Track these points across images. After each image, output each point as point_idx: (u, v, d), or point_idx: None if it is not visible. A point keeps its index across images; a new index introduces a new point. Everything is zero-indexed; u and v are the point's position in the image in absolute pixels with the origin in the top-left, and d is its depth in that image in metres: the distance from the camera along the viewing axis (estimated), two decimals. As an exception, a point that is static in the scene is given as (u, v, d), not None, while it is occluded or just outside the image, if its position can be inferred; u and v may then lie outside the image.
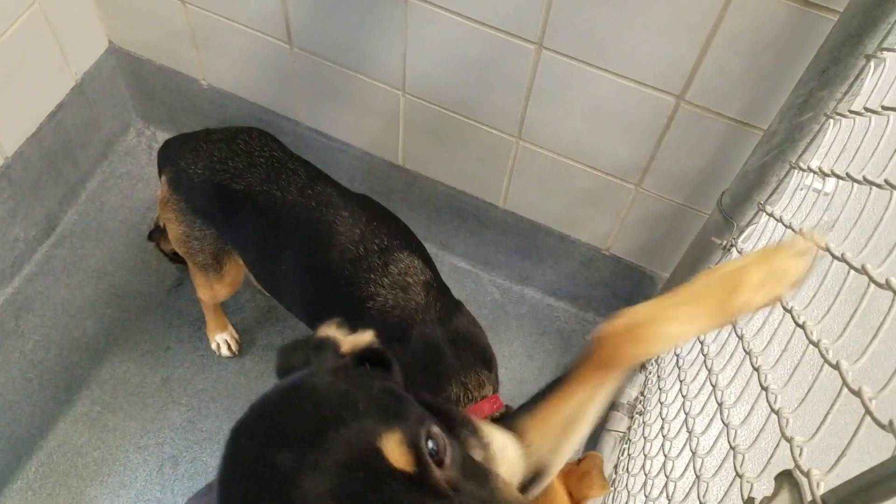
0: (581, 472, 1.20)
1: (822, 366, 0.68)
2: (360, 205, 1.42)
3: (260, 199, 1.41)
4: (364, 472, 0.50)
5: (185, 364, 1.92)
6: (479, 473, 0.59)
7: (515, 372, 1.98)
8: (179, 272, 2.03)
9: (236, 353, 1.93)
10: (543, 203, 1.82)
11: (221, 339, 1.92)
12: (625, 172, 1.60)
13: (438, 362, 1.25)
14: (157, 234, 1.98)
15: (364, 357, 0.69)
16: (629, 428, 1.82)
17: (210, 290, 1.70)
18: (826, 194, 1.24)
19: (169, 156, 1.57)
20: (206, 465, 1.78)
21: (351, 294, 1.32)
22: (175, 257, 2.03)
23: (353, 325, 1.36)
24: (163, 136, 2.22)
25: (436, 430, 0.56)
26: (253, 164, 1.45)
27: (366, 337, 0.73)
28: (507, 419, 1.19)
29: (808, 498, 0.52)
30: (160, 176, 1.61)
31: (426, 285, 1.33)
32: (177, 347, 1.94)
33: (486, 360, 1.30)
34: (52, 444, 1.77)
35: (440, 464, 0.54)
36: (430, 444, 0.54)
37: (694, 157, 1.49)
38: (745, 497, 0.70)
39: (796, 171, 1.24)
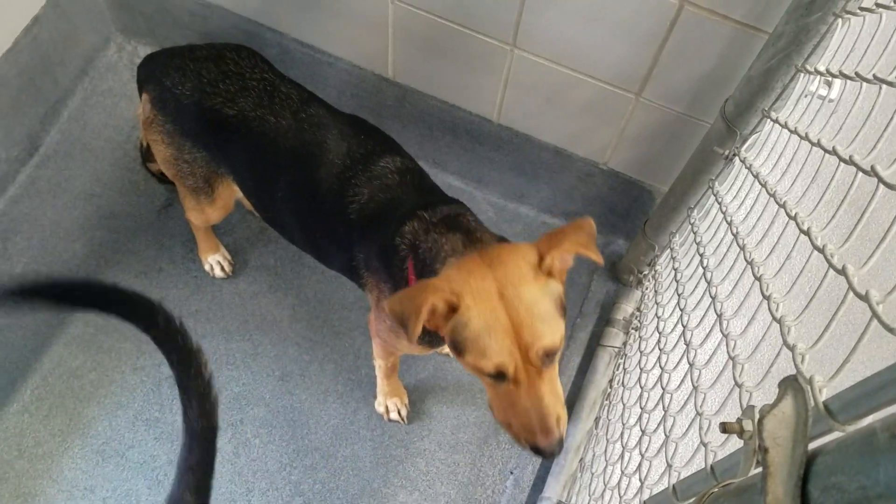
0: (560, 230, 1.02)
1: (827, 271, 0.66)
2: (348, 121, 1.40)
3: (254, 125, 1.37)
4: None
5: (179, 285, 1.90)
6: None
7: (511, 289, 1.97)
8: (168, 192, 1.99)
9: (230, 273, 1.91)
10: (539, 116, 1.76)
11: (214, 261, 1.89)
12: (624, 81, 1.54)
13: (404, 205, 1.24)
14: (144, 153, 1.93)
15: None
16: (624, 343, 1.82)
17: (201, 214, 1.66)
18: (831, 101, 1.19)
19: (151, 73, 1.50)
20: (204, 384, 1.79)
21: (337, 204, 1.31)
22: (163, 177, 1.98)
23: (341, 238, 1.34)
24: (144, 51, 2.13)
25: None
26: (246, 87, 1.40)
27: None
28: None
29: (812, 404, 0.50)
30: (140, 94, 1.54)
31: (401, 171, 1.32)
32: (169, 269, 1.92)
33: (450, 204, 1.30)
34: (46, 367, 1.77)
35: None
36: None
37: (697, 64, 1.42)
38: (744, 406, 0.69)
39: (802, 75, 1.19)
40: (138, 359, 1.80)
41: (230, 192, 1.58)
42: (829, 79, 1.23)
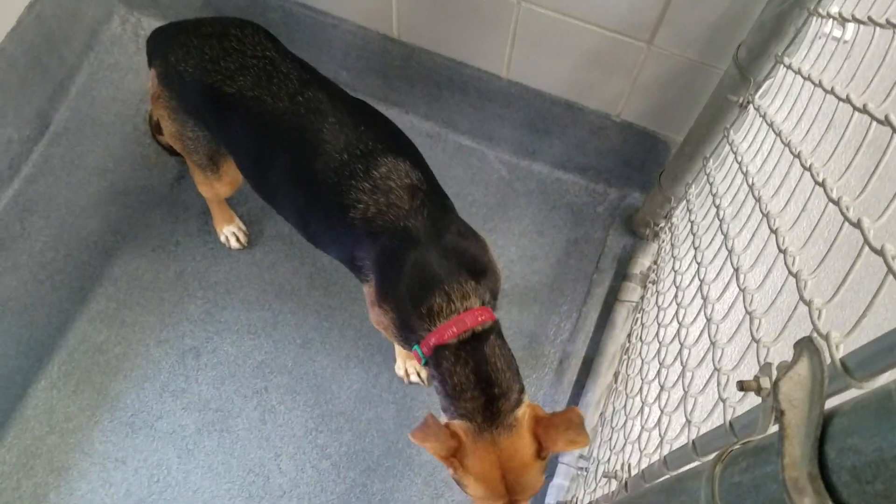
0: (551, 423, 1.18)
1: (843, 224, 0.64)
2: (349, 110, 1.34)
3: (251, 105, 1.33)
4: None
5: (197, 257, 1.92)
6: None
7: (526, 249, 1.96)
8: (180, 165, 1.99)
9: (245, 244, 1.92)
10: (549, 70, 1.73)
11: (229, 232, 1.90)
12: (635, 29, 1.50)
13: (421, 272, 1.22)
14: (153, 127, 1.93)
15: None
16: (642, 298, 1.81)
17: (210, 188, 1.67)
18: (846, 42, 1.15)
19: (158, 48, 1.48)
20: (228, 354, 1.81)
21: (335, 203, 1.27)
22: (173, 150, 1.98)
23: (341, 237, 1.31)
24: (148, 23, 2.12)
25: None
26: (245, 65, 1.36)
27: None
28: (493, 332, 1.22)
29: (828, 362, 0.49)
30: (150, 67, 1.53)
31: (412, 189, 1.26)
32: (186, 241, 1.93)
33: (475, 271, 1.26)
34: (71, 343, 1.80)
35: None
36: None
37: (708, 8, 1.39)
38: (762, 362, 0.68)
39: (815, 18, 1.15)
40: (161, 332, 1.83)
41: (236, 169, 1.57)
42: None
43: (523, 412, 1.20)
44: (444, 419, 1.22)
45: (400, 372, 1.80)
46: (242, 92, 1.34)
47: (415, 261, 1.22)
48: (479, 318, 1.21)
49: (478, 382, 1.19)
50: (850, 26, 1.19)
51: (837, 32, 1.18)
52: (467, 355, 1.20)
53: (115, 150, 2.01)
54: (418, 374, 1.79)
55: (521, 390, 1.23)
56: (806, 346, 0.44)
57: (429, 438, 1.15)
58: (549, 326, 1.88)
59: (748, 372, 0.79)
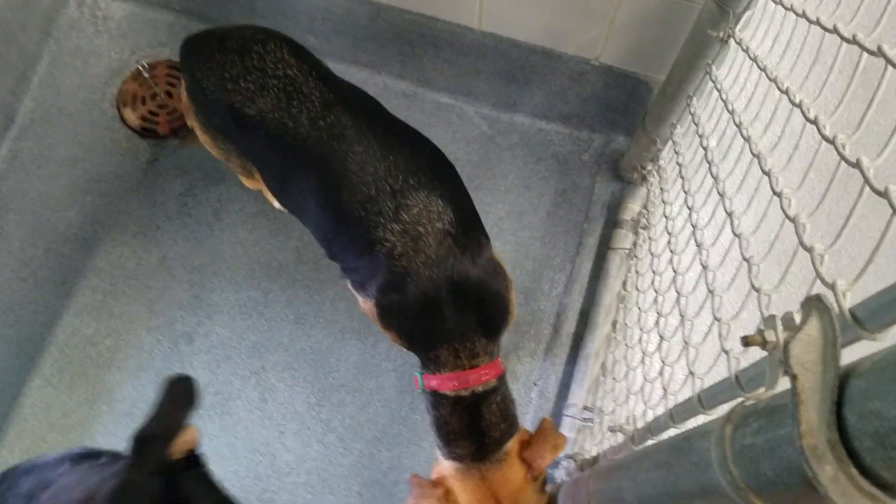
0: (532, 441, 1.23)
1: (839, 164, 0.62)
2: (376, 137, 1.24)
3: (272, 129, 1.26)
4: None
5: (179, 241, 1.88)
6: None
7: (514, 205, 1.93)
8: (152, 147, 1.93)
9: None
10: (522, 17, 1.67)
11: None
12: (607, -29, 1.45)
13: (435, 324, 1.20)
14: (120, 109, 1.87)
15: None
16: (634, 244, 1.79)
17: (251, 185, 1.64)
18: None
19: (186, 60, 1.40)
20: (221, 336, 1.79)
21: (361, 236, 1.21)
22: (144, 132, 1.93)
23: (363, 265, 1.26)
24: (105, 3, 2.04)
25: None
26: (265, 86, 1.27)
27: (188, 439, 0.92)
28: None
29: (837, 312, 0.47)
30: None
31: (441, 234, 1.19)
32: (166, 225, 1.89)
33: (490, 327, 1.23)
34: (61, 339, 1.77)
35: None
36: None
37: (682, -58, 1.34)
38: (764, 312, 0.66)
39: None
40: (151, 319, 1.80)
41: None
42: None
43: (512, 445, 1.24)
44: (438, 455, 1.28)
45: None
46: (263, 114, 1.27)
47: (430, 313, 1.19)
48: (484, 378, 1.21)
49: (471, 433, 1.22)
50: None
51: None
52: (464, 410, 1.22)
53: (85, 137, 1.95)
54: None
55: (515, 430, 1.26)
56: (815, 304, 0.41)
57: (419, 501, 1.20)
58: (544, 281, 1.86)
59: (749, 321, 0.77)
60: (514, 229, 1.90)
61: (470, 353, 1.21)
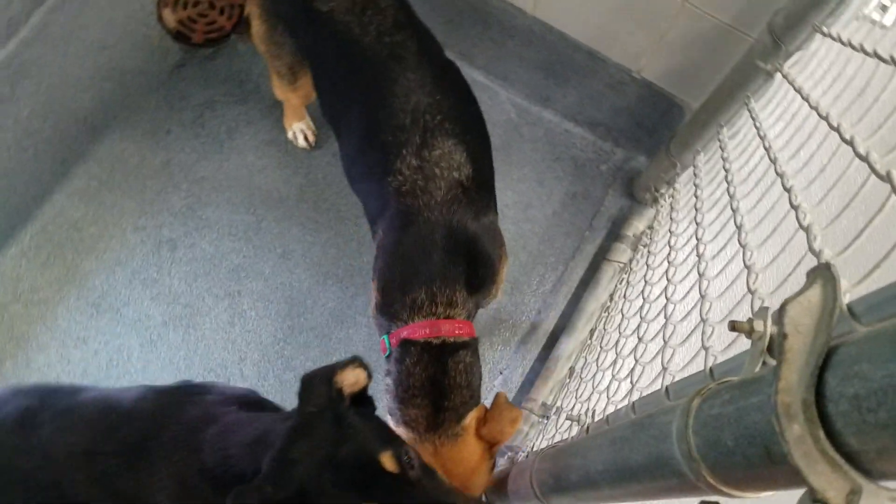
0: (489, 417, 1.19)
1: (852, 160, 0.61)
2: (433, 72, 1.24)
3: (340, 30, 1.26)
4: (369, 473, 0.88)
5: (187, 150, 1.86)
6: (430, 472, 0.98)
7: (523, 195, 1.93)
8: (183, 52, 1.92)
9: (313, 145, 1.86)
10: (577, 12, 1.67)
11: (298, 129, 1.84)
12: (672, -19, 1.45)
13: (419, 264, 1.18)
14: (160, 8, 1.85)
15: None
16: (630, 260, 1.79)
17: (283, 94, 1.63)
18: (884, 27, 1.11)
19: None
20: (205, 251, 1.78)
21: (381, 162, 1.21)
22: (179, 35, 1.92)
23: (374, 194, 1.25)
24: None
25: (408, 449, 0.95)
26: None
27: (361, 382, 1.00)
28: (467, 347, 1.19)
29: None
30: None
31: (454, 183, 1.19)
32: (178, 131, 1.87)
33: (474, 285, 1.21)
34: (47, 216, 1.75)
35: (411, 468, 0.92)
36: (405, 457, 0.92)
37: (752, -32, 1.33)
38: (755, 309, 0.66)
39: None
40: (140, 218, 1.78)
41: (311, 86, 1.49)
42: (888, 3, 1.15)
43: (470, 421, 1.19)
44: (390, 422, 1.21)
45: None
46: (334, 14, 1.26)
47: (418, 252, 1.18)
48: (457, 331, 1.18)
49: (430, 391, 1.17)
50: (893, 10, 1.15)
51: (877, 16, 1.14)
52: (430, 361, 1.17)
53: (118, 26, 1.93)
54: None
55: (475, 405, 1.21)
56: (821, 273, 0.41)
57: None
58: (534, 276, 1.86)
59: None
60: (517, 219, 1.90)
61: (447, 302, 1.18)
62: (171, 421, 1.00)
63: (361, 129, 1.25)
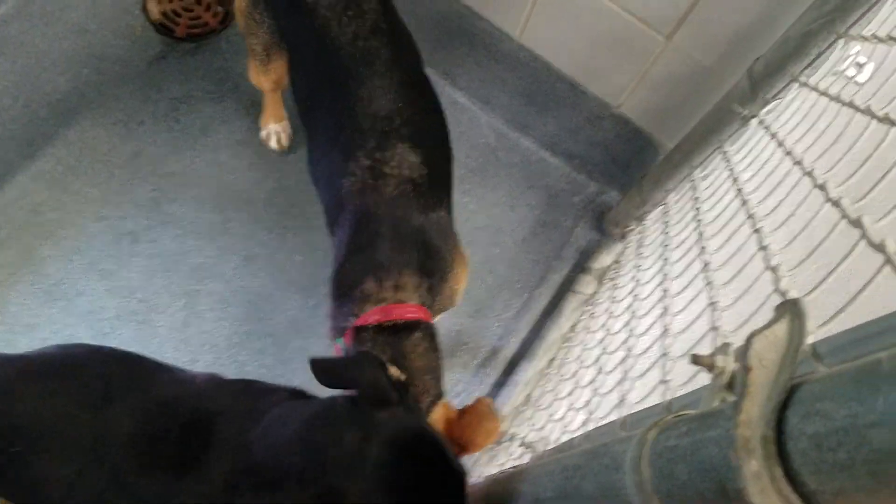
0: (464, 423, 1.13)
1: (822, 206, 0.62)
2: (401, 81, 1.23)
3: (319, 24, 1.24)
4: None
5: (158, 142, 1.83)
6: None
7: (494, 220, 1.92)
8: (163, 44, 1.89)
9: (286, 149, 1.83)
10: (563, 42, 1.68)
11: (273, 130, 1.81)
12: (658, 21, 1.47)
13: (366, 256, 1.15)
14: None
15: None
16: (594, 293, 1.79)
17: (255, 76, 1.59)
18: (857, 83, 1.14)
19: None
20: (167, 248, 1.74)
21: (339, 163, 1.20)
22: (162, 28, 1.89)
23: (332, 197, 1.23)
24: None
25: None
26: None
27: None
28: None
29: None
30: None
31: (405, 180, 1.18)
32: (151, 123, 1.84)
33: (425, 270, 1.17)
34: (8, 197, 1.70)
35: None
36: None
37: (736, 13, 1.36)
38: (717, 345, 0.65)
39: (840, 43, 1.13)
40: (103, 207, 1.74)
41: (284, 69, 1.47)
42: (864, 61, 1.19)
43: (434, 420, 1.13)
44: None
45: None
46: (318, 7, 1.25)
47: (366, 245, 1.15)
48: (408, 314, 1.13)
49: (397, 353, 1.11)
50: (868, 68, 1.18)
51: (852, 72, 1.17)
52: (385, 344, 1.11)
53: (101, 12, 1.90)
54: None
55: (438, 397, 1.15)
56: (790, 307, 0.40)
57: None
58: (498, 301, 1.85)
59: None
60: (486, 243, 1.89)
61: (395, 285, 1.13)
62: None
63: (327, 129, 1.25)
